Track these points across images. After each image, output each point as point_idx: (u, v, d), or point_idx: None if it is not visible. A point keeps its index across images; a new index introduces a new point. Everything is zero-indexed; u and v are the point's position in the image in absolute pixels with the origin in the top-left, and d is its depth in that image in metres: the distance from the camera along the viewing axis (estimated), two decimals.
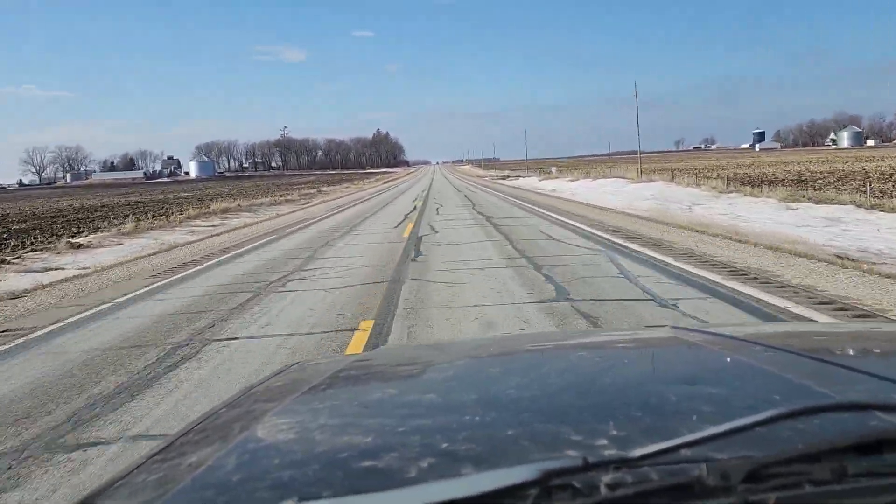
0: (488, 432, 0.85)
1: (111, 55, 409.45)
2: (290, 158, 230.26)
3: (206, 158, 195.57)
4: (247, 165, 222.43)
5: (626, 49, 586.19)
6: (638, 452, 0.67)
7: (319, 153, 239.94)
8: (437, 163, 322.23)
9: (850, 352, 1.26)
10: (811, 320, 5.49)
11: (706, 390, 0.99)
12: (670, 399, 0.95)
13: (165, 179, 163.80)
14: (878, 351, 1.28)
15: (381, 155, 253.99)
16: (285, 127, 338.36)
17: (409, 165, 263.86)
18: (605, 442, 0.76)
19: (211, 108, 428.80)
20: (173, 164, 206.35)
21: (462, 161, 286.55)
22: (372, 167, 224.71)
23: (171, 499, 0.74)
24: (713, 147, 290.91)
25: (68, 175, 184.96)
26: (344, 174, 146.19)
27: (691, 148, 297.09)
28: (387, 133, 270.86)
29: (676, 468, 0.65)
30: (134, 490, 0.84)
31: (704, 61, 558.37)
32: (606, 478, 0.63)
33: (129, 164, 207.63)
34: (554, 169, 51.98)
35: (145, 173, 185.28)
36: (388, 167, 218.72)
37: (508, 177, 59.89)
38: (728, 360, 1.15)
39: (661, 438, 0.69)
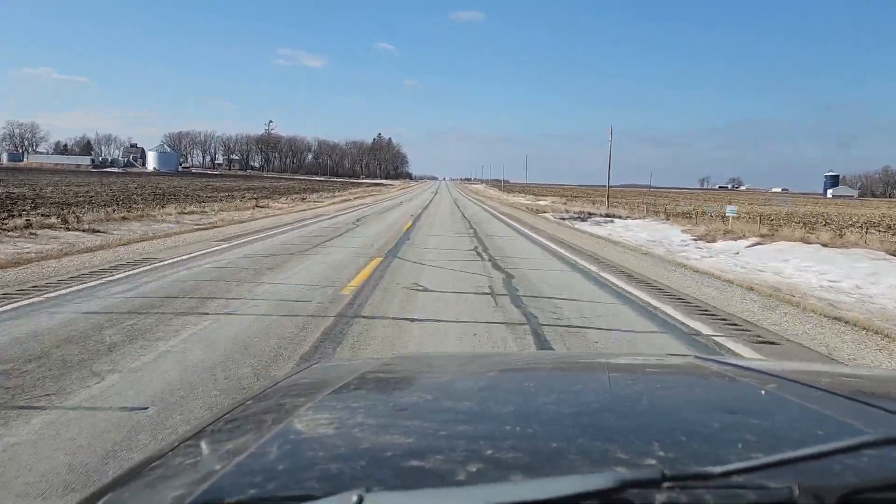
0: (532, 443, 0.84)
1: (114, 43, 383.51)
2: (273, 158, 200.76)
3: (168, 149, 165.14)
4: (220, 162, 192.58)
5: (643, 85, 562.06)
6: (719, 469, 0.63)
7: (310, 156, 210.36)
8: (445, 179, 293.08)
9: (881, 393, 1.22)
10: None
11: (747, 420, 0.98)
12: (712, 426, 0.94)
13: (116, 169, 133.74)
14: None
15: (380, 164, 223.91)
16: (270, 122, 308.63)
17: (411, 179, 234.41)
18: (653, 462, 0.74)
19: (217, 108, 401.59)
20: (136, 152, 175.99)
21: (471, 179, 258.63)
22: (368, 176, 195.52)
23: (219, 480, 0.74)
24: (742, 188, 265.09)
25: (4, 155, 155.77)
26: (331, 181, 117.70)
27: (717, 187, 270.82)
28: (389, 139, 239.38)
29: (764, 491, 0.62)
30: (173, 471, 0.84)
31: (733, 103, 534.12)
32: (686, 493, 0.60)
33: (86, 148, 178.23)
34: (730, 209, 21.96)
35: (93, 160, 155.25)
36: (387, 178, 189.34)
37: (590, 215, 30.33)
38: (762, 392, 1.14)
39: (710, 463, 0.66)
